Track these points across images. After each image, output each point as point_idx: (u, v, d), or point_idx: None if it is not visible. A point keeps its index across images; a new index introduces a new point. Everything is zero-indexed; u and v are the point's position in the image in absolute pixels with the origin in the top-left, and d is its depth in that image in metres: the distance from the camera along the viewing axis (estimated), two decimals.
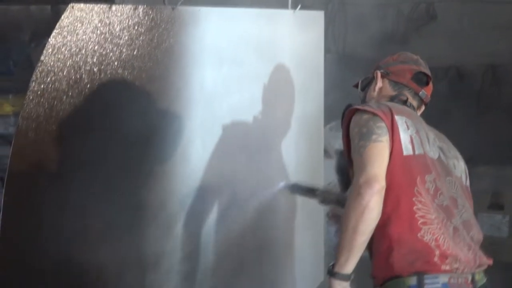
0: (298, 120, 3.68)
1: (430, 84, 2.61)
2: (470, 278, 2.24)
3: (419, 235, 2.19)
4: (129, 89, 2.22)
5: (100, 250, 2.25)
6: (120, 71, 2.17)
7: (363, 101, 2.62)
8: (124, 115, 2.21)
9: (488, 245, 2.46)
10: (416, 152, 2.29)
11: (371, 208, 2.10)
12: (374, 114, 2.27)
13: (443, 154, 2.43)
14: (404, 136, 2.27)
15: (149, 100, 2.32)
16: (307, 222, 4.00)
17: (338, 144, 4.92)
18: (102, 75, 2.11)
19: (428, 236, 2.19)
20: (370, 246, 2.28)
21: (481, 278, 2.30)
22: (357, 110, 2.32)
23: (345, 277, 2.16)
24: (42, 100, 1.93)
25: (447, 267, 2.19)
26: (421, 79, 2.58)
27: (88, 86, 2.07)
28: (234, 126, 2.97)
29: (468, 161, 2.60)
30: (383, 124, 2.24)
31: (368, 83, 2.64)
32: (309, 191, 2.94)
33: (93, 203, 2.17)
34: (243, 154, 3.09)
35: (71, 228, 2.11)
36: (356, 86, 2.70)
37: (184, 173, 2.58)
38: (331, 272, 2.18)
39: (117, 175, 2.26)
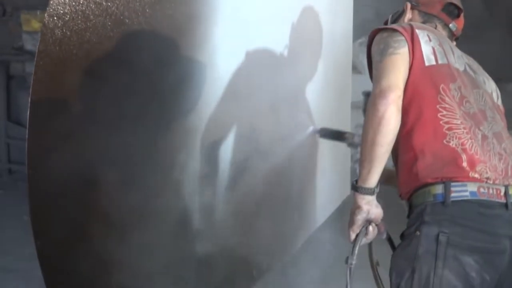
0: (327, 35, 3.62)
1: (462, 17, 2.54)
2: (503, 190, 2.11)
3: (444, 141, 2.12)
4: None
5: (123, 167, 2.26)
6: None
7: None
8: (151, 15, 2.18)
9: None
10: (439, 62, 2.24)
11: (387, 118, 2.05)
12: (394, 30, 2.23)
13: (470, 69, 2.37)
14: (426, 47, 2.23)
15: (176, 2, 2.28)
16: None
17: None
18: None
19: (454, 141, 2.12)
20: (397, 162, 2.25)
21: None
22: (379, 30, 2.29)
23: (368, 191, 2.12)
24: None
25: (476, 175, 2.09)
26: (452, 11, 2.52)
27: None
28: (261, 40, 2.93)
29: (500, 80, 2.57)
30: (401, 38, 2.21)
31: (398, 17, 2.59)
32: (338, 134, 2.93)
33: (116, 112, 2.17)
34: (270, 67, 3.06)
35: (94, 134, 2.12)
36: (386, 23, 2.63)
37: (211, 78, 2.55)
38: (355, 187, 2.15)
39: (142, 81, 2.24)
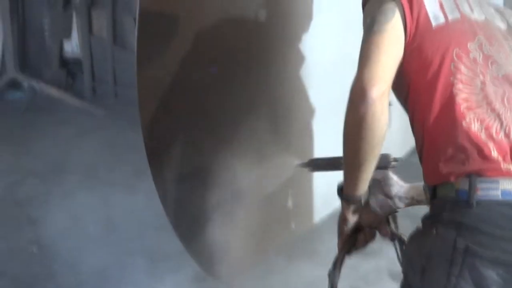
0: None
1: None
2: None
3: (464, 123, 1.68)
4: None
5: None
6: None
7: None
8: None
9: None
10: (450, 18, 1.80)
11: (369, 122, 1.64)
12: None
13: (493, 17, 1.90)
14: (431, 3, 1.79)
15: None
16: None
17: None
18: None
19: (476, 124, 1.68)
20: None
21: None
22: None
23: (355, 200, 1.83)
24: None
25: None
26: None
27: None
28: None
29: None
30: (390, 4, 1.76)
31: None
32: (332, 163, 2.19)
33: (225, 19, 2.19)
34: None
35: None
36: None
37: None
38: (341, 194, 1.85)
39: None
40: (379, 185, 1.89)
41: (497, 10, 1.94)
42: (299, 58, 2.63)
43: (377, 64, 1.69)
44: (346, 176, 1.79)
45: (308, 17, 2.61)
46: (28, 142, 4.96)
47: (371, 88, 1.64)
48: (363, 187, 1.80)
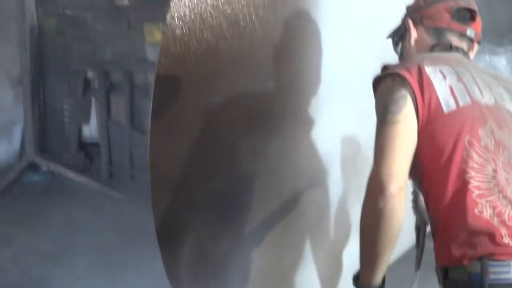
0: None
1: (478, 19, 2.10)
2: None
3: (476, 211, 1.71)
4: None
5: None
6: None
7: (400, 57, 2.16)
8: (264, 17, 2.29)
9: None
10: (461, 103, 1.81)
11: (387, 217, 1.68)
12: (393, 79, 1.83)
13: (502, 99, 1.91)
14: (442, 89, 1.82)
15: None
16: None
17: None
18: None
19: (488, 211, 1.71)
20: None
21: None
22: (381, 77, 1.89)
23: None
24: (187, 0, 2.05)
25: None
26: (463, 16, 2.07)
27: None
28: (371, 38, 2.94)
29: None
30: (402, 92, 1.79)
31: (402, 35, 2.15)
32: None
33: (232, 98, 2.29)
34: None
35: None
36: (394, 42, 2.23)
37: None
38: (357, 285, 1.85)
39: (256, 80, 2.37)
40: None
41: (507, 89, 1.97)
42: (312, 150, 2.69)
43: (393, 158, 1.73)
44: (362, 266, 1.81)
45: (318, 109, 2.69)
46: (44, 224, 5.03)
47: (389, 183, 1.68)
48: (379, 277, 1.80)
